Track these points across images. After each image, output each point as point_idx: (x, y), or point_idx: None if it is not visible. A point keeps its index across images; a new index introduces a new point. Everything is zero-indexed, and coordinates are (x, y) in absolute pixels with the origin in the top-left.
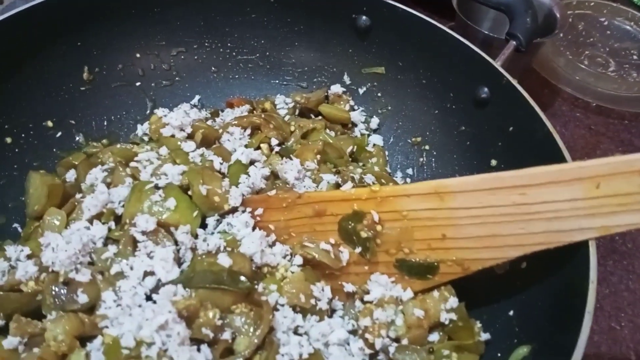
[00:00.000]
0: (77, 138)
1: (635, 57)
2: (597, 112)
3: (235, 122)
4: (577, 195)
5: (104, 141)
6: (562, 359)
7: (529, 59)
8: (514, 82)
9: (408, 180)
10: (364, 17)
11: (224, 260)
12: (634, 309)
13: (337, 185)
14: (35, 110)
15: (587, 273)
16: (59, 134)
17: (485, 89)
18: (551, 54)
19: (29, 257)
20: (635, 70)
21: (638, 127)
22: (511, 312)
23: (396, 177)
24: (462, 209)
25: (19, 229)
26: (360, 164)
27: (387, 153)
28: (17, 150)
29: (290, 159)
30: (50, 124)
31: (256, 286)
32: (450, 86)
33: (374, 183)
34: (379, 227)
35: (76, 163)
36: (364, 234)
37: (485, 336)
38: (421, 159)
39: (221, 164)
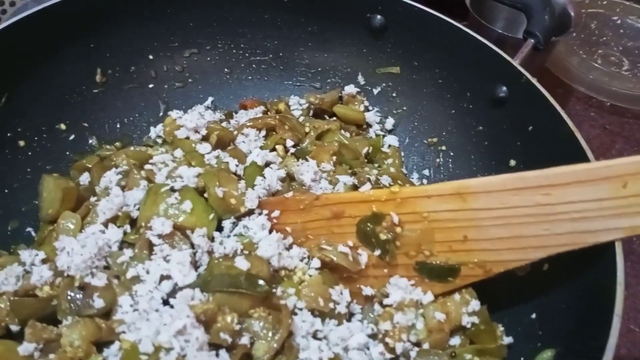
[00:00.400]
0: (90, 141)
1: None
2: (612, 112)
3: (250, 123)
4: (603, 195)
5: (117, 144)
6: None
7: (543, 59)
8: (534, 80)
9: (425, 181)
10: (378, 17)
11: (242, 264)
12: None
13: (354, 187)
14: (48, 113)
15: (615, 275)
16: (72, 136)
17: (504, 88)
18: (564, 53)
19: (43, 261)
20: None
21: None
22: (533, 315)
23: (412, 178)
24: (484, 210)
25: (33, 233)
26: (376, 165)
27: (402, 154)
28: (30, 153)
29: (306, 160)
30: (63, 126)
31: (274, 290)
32: (467, 85)
33: (390, 184)
34: (398, 229)
35: (90, 166)
36: (383, 236)
37: (507, 340)
38: (438, 160)
39: (237, 166)
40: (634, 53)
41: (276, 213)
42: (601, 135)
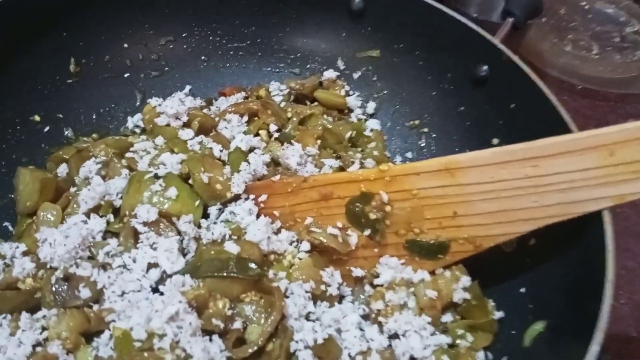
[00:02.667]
0: (66, 132)
1: (617, 39)
2: (583, 95)
3: (232, 109)
4: (590, 165)
5: (94, 135)
6: (585, 330)
7: (517, 43)
8: (515, 58)
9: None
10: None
11: (232, 248)
12: (632, 286)
13: (341, 169)
14: (21, 104)
15: (604, 242)
16: (47, 128)
17: (485, 67)
18: (536, 38)
19: (24, 254)
20: (617, 52)
21: (624, 109)
22: (522, 290)
23: (395, 161)
24: (473, 185)
25: (10, 228)
26: (359, 149)
27: (385, 137)
28: (4, 146)
29: (291, 144)
30: (37, 118)
31: (266, 273)
32: (447, 66)
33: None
34: (388, 208)
35: (67, 157)
36: (372, 216)
37: (498, 314)
38: (420, 142)
39: (221, 151)
40: (602, 37)
41: (263, 197)
42: (574, 118)
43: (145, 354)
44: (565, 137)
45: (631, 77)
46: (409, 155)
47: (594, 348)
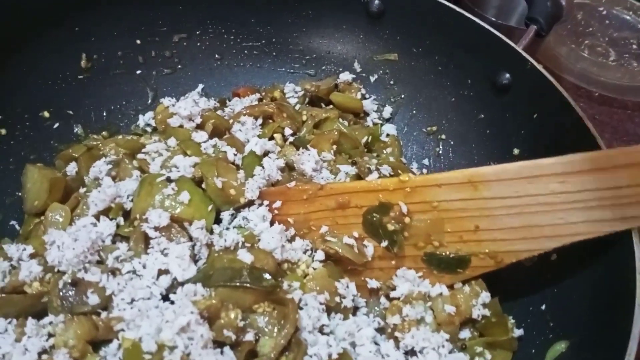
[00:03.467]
0: (76, 129)
1: (635, 46)
2: (601, 102)
3: (247, 111)
4: (621, 183)
5: (104, 133)
6: (612, 354)
7: (535, 49)
8: (539, 67)
9: (424, 170)
10: (376, 1)
11: (245, 257)
12: None
13: (357, 177)
14: (31, 100)
15: (633, 264)
16: (57, 125)
17: (507, 75)
18: (553, 43)
19: (32, 256)
20: (635, 59)
21: None
22: (543, 306)
23: (411, 167)
24: (497, 199)
25: (17, 227)
26: (375, 154)
27: (401, 143)
28: (12, 142)
29: (307, 149)
30: (47, 114)
31: (280, 284)
32: (467, 72)
33: (390, 174)
34: (407, 219)
35: (77, 155)
36: (390, 227)
37: (518, 332)
38: (437, 149)
39: (235, 155)
40: (619, 44)
41: (278, 204)
42: None
43: None
44: (596, 153)
45: None
46: (425, 162)
47: None
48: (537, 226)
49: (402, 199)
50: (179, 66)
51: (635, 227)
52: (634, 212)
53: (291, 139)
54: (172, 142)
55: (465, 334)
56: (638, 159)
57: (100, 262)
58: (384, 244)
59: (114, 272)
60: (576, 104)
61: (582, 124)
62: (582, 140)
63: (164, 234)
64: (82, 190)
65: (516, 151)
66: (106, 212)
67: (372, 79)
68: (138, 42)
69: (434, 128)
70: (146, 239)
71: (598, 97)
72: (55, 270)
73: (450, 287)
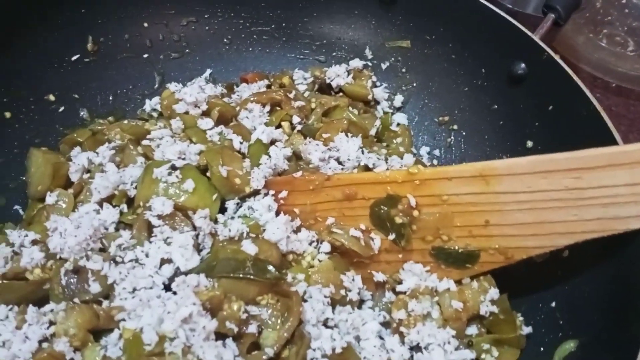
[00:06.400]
0: (81, 113)
1: None
2: (617, 93)
3: (254, 98)
4: (638, 180)
5: (110, 118)
6: (623, 354)
7: (552, 37)
8: (556, 57)
9: (435, 162)
10: None
11: (249, 248)
12: None
13: (366, 167)
14: (36, 83)
15: None
16: (62, 108)
17: (522, 65)
18: (570, 31)
19: (34, 242)
20: None
21: None
22: (553, 304)
23: (422, 158)
24: (508, 194)
25: (21, 212)
26: (384, 144)
27: (412, 133)
28: (17, 126)
29: (314, 138)
30: (52, 97)
31: (285, 276)
32: (482, 61)
33: (401, 166)
34: (415, 213)
35: (81, 140)
36: (398, 220)
37: (527, 330)
38: (449, 139)
39: (241, 143)
40: (639, 34)
41: (283, 194)
42: None
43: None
44: (613, 148)
45: None
46: (436, 152)
47: None
48: (549, 222)
49: (410, 192)
50: (187, 50)
51: None
52: None
53: (299, 127)
54: (177, 126)
55: (472, 330)
56: None
57: (103, 250)
58: (392, 237)
59: (116, 260)
60: (592, 95)
61: (598, 116)
62: (598, 132)
63: (167, 222)
64: (85, 176)
65: (529, 143)
66: (110, 199)
67: (384, 66)
68: (145, 25)
69: (446, 118)
70: (149, 227)
71: (615, 88)
72: (57, 257)
73: (458, 282)
